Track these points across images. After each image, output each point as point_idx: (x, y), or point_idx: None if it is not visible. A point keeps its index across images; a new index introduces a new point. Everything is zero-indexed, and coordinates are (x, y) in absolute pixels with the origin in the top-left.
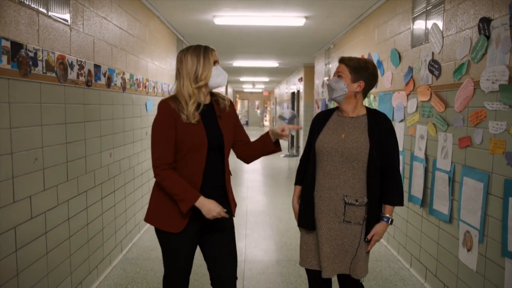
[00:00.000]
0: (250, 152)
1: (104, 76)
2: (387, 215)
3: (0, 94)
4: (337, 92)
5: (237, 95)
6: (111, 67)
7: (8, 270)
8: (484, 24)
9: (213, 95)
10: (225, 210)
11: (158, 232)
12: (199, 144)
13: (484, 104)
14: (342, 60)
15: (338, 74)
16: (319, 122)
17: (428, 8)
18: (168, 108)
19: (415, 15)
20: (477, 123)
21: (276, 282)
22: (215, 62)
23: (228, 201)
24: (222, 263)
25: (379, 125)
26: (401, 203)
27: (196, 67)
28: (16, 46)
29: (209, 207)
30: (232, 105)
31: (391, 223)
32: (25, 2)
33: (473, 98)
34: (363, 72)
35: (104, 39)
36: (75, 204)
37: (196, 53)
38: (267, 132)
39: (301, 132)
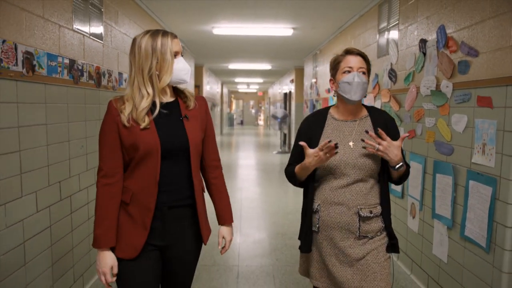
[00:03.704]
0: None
1: (125, 82)
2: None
3: (62, 98)
4: (364, 91)
5: (232, 95)
6: None
7: (45, 241)
8: (422, 43)
9: (178, 91)
10: (112, 280)
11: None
12: (149, 150)
13: (422, 104)
14: (360, 53)
15: (362, 70)
16: (313, 128)
17: (388, 26)
18: (111, 109)
19: (380, 31)
20: (418, 119)
21: (266, 248)
22: (176, 54)
23: (198, 225)
24: None
25: (385, 125)
26: (407, 171)
27: (151, 60)
28: (71, 62)
29: (99, 262)
30: (205, 106)
31: (400, 167)
32: (77, 29)
33: (416, 100)
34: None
35: (125, 51)
36: (93, 191)
37: (152, 42)
38: (223, 219)
39: (293, 130)
